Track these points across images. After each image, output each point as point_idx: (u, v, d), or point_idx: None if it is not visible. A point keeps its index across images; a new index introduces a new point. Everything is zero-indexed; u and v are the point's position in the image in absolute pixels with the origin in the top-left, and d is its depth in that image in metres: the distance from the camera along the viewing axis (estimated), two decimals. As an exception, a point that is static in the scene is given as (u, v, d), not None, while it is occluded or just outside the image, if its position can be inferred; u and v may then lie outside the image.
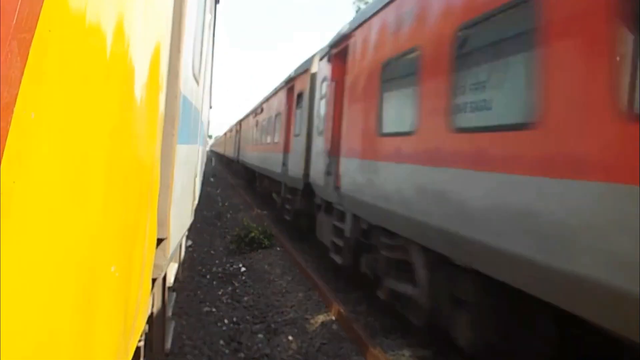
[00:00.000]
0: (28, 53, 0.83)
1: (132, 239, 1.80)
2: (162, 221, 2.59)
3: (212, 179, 30.19)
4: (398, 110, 6.03)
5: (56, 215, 0.99)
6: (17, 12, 0.81)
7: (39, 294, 0.92)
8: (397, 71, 6.05)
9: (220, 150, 61.60)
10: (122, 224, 1.59)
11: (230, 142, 41.88)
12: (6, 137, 0.77)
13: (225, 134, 54.41)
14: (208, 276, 9.06)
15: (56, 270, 1.00)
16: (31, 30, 0.84)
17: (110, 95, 1.33)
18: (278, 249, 11.22)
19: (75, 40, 1.03)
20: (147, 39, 1.80)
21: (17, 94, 0.80)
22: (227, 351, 5.79)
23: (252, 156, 22.77)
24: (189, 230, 6.13)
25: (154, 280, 2.72)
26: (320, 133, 9.61)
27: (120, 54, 1.40)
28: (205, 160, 17.02)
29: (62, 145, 1.00)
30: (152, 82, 1.94)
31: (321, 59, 10.29)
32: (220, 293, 8.08)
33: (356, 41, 7.71)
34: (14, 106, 0.79)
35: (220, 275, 9.20)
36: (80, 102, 1.09)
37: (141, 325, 2.45)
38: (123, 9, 1.38)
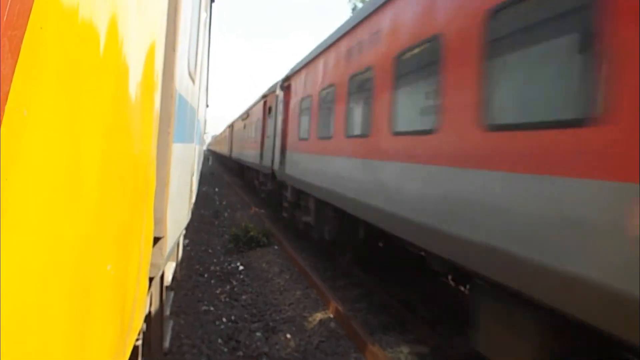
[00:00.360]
0: (19, 50, 0.82)
1: (128, 238, 1.79)
2: (159, 220, 2.59)
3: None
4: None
5: (49, 213, 0.98)
6: (7, 8, 0.80)
7: (33, 293, 0.92)
8: None
9: (223, 150, 45.91)
10: (118, 222, 1.59)
11: (242, 138, 26.03)
12: None
13: (230, 126, 39.20)
14: (206, 275, 9.06)
15: (50, 269, 0.99)
16: (22, 27, 0.83)
17: (104, 93, 1.32)
18: (276, 247, 11.23)
19: (67, 37, 1.02)
20: (141, 36, 1.79)
21: (8, 92, 0.79)
22: (225, 350, 5.79)
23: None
24: (187, 229, 6.12)
25: (151, 279, 2.71)
26: None
27: (114, 51, 1.39)
28: (202, 159, 16.95)
29: (55, 143, 0.99)
30: (147, 80, 1.93)
31: None
32: (218, 292, 8.08)
33: None
34: (6, 104, 0.79)
35: (218, 274, 9.20)
36: (73, 100, 1.08)
37: (139, 325, 2.44)
38: (117, 6, 1.37)
